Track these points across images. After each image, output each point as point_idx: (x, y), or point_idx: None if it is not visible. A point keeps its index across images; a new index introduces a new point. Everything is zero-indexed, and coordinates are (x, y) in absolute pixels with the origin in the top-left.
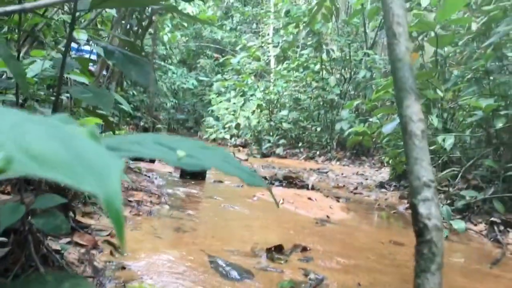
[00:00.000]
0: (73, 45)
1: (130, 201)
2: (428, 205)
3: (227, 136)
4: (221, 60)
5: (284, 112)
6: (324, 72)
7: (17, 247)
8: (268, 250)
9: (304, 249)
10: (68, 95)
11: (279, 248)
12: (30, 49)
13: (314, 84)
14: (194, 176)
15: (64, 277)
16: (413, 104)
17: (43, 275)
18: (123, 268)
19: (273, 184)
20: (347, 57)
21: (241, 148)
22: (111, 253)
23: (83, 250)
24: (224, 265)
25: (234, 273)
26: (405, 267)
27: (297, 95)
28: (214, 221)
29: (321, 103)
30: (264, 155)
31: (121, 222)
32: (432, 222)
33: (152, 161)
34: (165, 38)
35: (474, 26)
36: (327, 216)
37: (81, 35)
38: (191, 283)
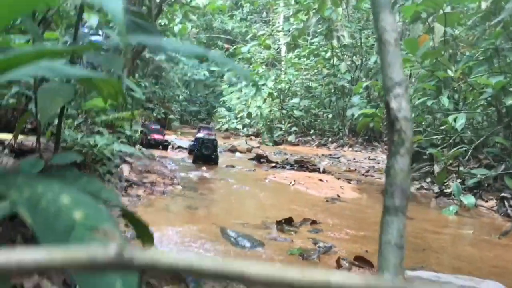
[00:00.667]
0: (83, 32)
1: (143, 182)
2: (399, 100)
3: (239, 126)
4: (231, 50)
5: (296, 100)
6: (335, 59)
7: None
8: (278, 223)
9: (314, 222)
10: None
11: (289, 221)
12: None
13: (325, 71)
14: (207, 161)
15: (81, 175)
16: (387, 17)
17: (61, 171)
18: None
19: (284, 167)
20: (358, 43)
21: (253, 137)
22: (126, 225)
23: None
24: (235, 236)
25: (245, 242)
26: (413, 237)
27: (308, 83)
28: (227, 200)
29: (332, 90)
30: (276, 143)
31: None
32: (401, 114)
33: (165, 148)
34: (176, 29)
35: (483, 5)
36: (338, 196)
37: (92, 19)
38: (202, 251)
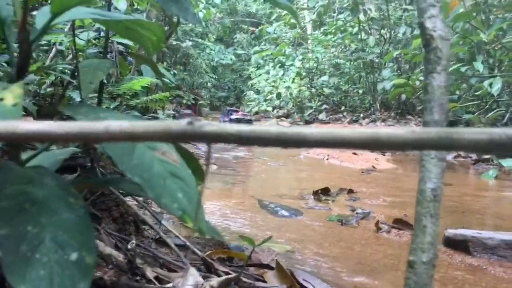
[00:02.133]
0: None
1: None
2: (433, 21)
3: (269, 108)
4: (257, 32)
5: (325, 78)
6: (363, 33)
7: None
8: (315, 193)
9: (351, 191)
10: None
11: (325, 191)
12: None
13: (353, 46)
14: None
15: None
16: None
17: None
18: None
19: None
20: (386, 16)
21: (284, 118)
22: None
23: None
24: (273, 206)
25: (283, 212)
26: (451, 201)
27: (336, 60)
28: (262, 176)
29: (361, 65)
30: (307, 122)
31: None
32: (437, 33)
33: None
34: (200, 15)
35: None
36: (373, 167)
37: (121, 3)
38: (243, 220)
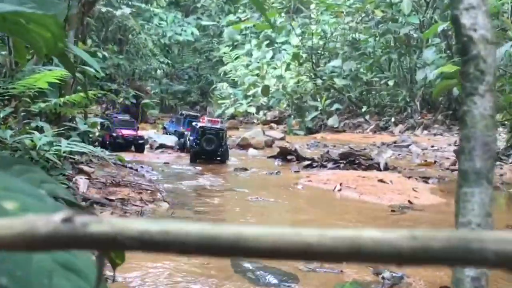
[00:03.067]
0: None
1: (110, 200)
2: (473, 14)
3: (252, 110)
4: None
5: (336, 62)
6: None
7: None
8: None
9: None
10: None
11: None
12: None
13: (379, 14)
14: (211, 159)
15: (13, 161)
16: None
17: None
18: (114, 281)
19: (324, 166)
20: None
21: (274, 125)
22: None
23: None
24: (254, 269)
25: (269, 278)
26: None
27: (353, 35)
28: (238, 217)
29: (391, 42)
30: (310, 131)
31: None
32: (478, 32)
33: (140, 148)
34: None
35: None
36: (409, 202)
37: None
38: None
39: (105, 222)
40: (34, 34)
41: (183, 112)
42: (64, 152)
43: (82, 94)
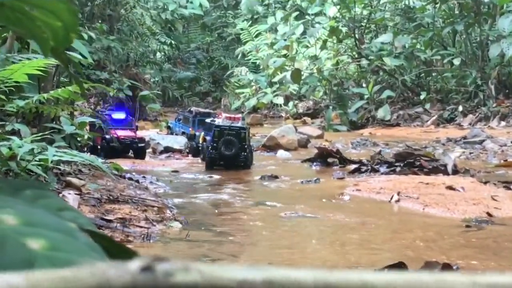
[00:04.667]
0: None
1: (108, 220)
2: None
3: (279, 100)
4: None
5: (385, 37)
6: None
7: None
8: None
9: (447, 267)
10: None
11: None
12: None
13: None
14: (230, 166)
15: (21, 184)
16: None
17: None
18: None
19: (376, 170)
20: None
21: (308, 119)
22: None
23: None
24: None
25: None
26: None
27: (406, 1)
28: (270, 240)
29: (455, 10)
30: (354, 125)
31: None
32: None
33: (139, 153)
34: None
35: None
36: (488, 214)
37: None
38: None
39: (194, 270)
40: (39, 23)
41: (192, 108)
42: (51, 162)
43: (70, 88)
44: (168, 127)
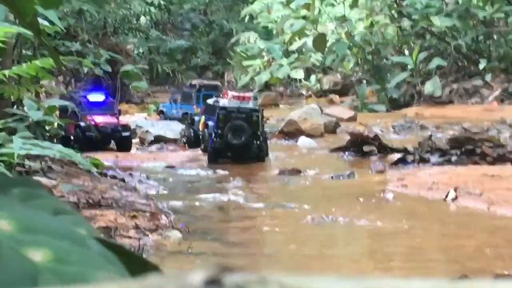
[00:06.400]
0: None
1: None
2: None
3: (299, 74)
4: None
5: None
6: None
7: None
8: None
9: None
10: None
11: None
12: None
13: None
14: (239, 158)
15: (13, 181)
16: None
17: None
18: None
19: (425, 161)
20: None
21: (336, 97)
22: None
23: None
24: None
25: None
26: None
27: None
28: (293, 252)
29: None
30: (395, 104)
31: None
32: None
33: (123, 144)
34: None
35: None
36: None
37: None
38: None
39: (272, 283)
40: None
41: (194, 82)
42: (17, 157)
43: (38, 62)
44: (161, 111)
